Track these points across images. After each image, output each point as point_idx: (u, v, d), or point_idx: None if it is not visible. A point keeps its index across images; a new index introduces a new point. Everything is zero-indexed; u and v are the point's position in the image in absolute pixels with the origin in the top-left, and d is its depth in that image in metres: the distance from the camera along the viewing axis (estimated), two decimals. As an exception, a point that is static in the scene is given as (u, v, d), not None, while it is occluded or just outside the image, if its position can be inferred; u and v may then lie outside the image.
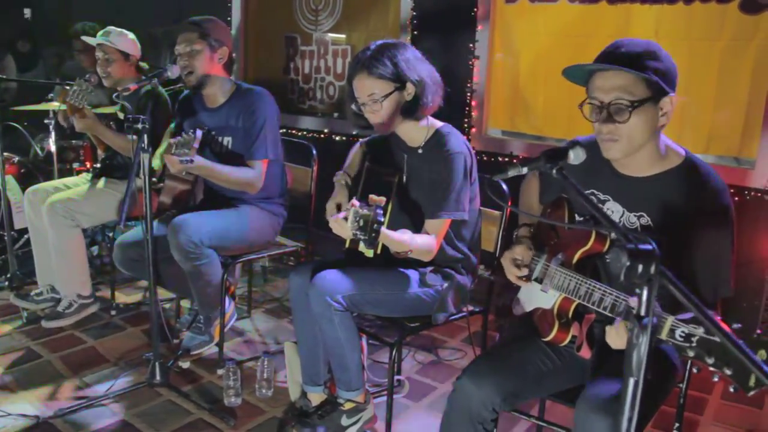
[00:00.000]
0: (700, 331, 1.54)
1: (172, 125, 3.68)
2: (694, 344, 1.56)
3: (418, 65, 2.65)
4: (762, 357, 1.44)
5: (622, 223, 2.10)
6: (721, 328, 1.29)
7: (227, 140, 3.45)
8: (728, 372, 1.48)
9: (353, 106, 2.72)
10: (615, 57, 1.95)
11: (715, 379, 1.57)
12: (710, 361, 1.52)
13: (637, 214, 2.08)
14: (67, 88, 3.63)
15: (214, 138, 3.47)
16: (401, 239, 2.51)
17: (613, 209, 2.12)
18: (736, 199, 3.59)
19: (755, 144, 3.61)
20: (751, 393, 1.45)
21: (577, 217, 2.21)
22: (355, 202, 2.25)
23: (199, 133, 3.01)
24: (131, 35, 4.00)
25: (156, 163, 3.40)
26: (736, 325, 1.46)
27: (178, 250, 3.16)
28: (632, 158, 2.05)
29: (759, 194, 3.59)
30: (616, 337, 1.80)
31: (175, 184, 3.40)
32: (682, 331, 1.58)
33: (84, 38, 4.17)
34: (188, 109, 3.60)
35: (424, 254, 2.64)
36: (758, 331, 1.45)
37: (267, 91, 3.50)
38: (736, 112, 3.67)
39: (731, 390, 1.51)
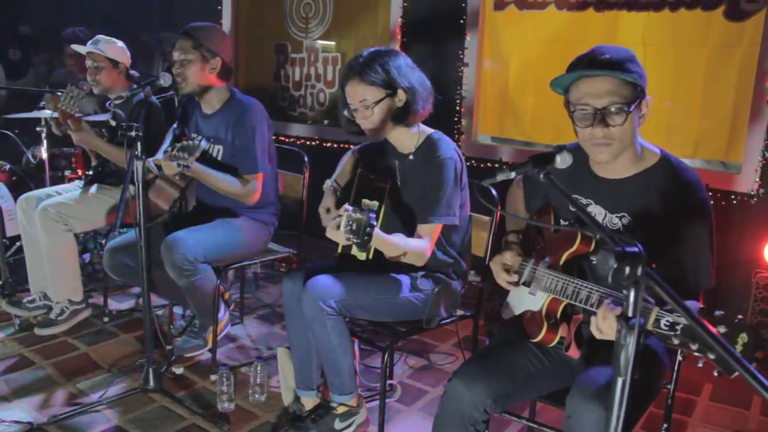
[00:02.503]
0: (683, 319, 1.58)
1: (175, 125, 3.69)
2: (678, 332, 1.60)
3: (409, 72, 2.69)
4: (743, 340, 1.49)
5: (605, 225, 2.14)
6: (703, 324, 1.33)
7: (218, 149, 3.47)
8: (712, 357, 1.52)
9: (345, 112, 2.75)
10: (602, 63, 1.99)
11: (700, 365, 1.61)
12: (694, 347, 1.56)
13: (619, 215, 2.13)
14: (59, 94, 3.64)
15: (207, 145, 3.49)
16: (395, 242, 2.54)
17: (595, 212, 2.16)
18: (723, 203, 3.64)
19: (741, 148, 3.66)
20: (734, 375, 1.48)
21: (562, 222, 2.25)
22: (347, 206, 2.28)
23: (204, 143, 3.04)
24: (120, 43, 4.01)
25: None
26: (718, 312, 1.51)
27: (173, 268, 3.18)
28: (615, 161, 2.10)
29: (745, 198, 3.63)
30: (602, 321, 1.81)
31: (164, 185, 3.40)
32: (667, 320, 1.63)
33: (74, 46, 4.18)
34: (189, 112, 3.62)
35: (418, 258, 2.67)
36: (740, 316, 1.50)
37: (258, 102, 3.50)
38: (722, 117, 3.72)
39: (715, 374, 1.54)
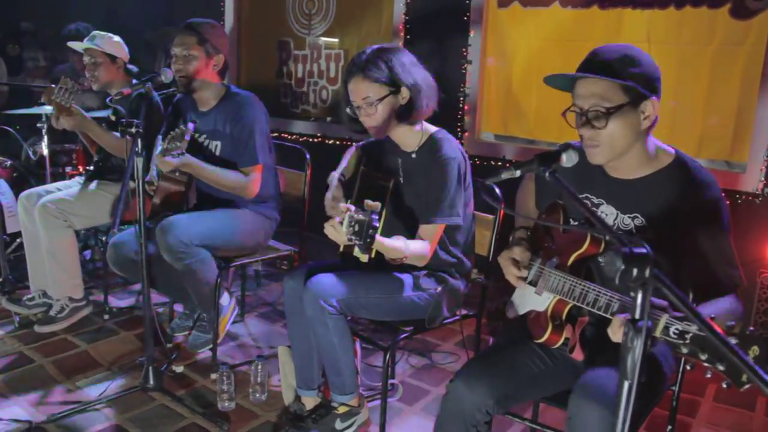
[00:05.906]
0: (693, 328, 1.55)
1: (160, 135, 3.66)
2: (687, 341, 1.56)
3: (413, 70, 2.67)
4: (755, 353, 1.45)
5: (616, 226, 2.12)
6: (714, 329, 1.30)
7: (216, 144, 3.46)
8: (721, 368, 1.49)
9: (348, 110, 2.73)
10: (592, 65, 1.99)
11: (708, 375, 1.58)
12: (704, 357, 1.52)
13: (631, 215, 2.10)
14: (53, 86, 3.61)
15: (204, 142, 3.47)
16: (396, 246, 2.52)
17: (607, 212, 2.14)
18: (728, 202, 3.60)
19: (746, 147, 3.64)
20: (744, 388, 1.46)
21: (572, 222, 2.22)
22: (350, 207, 2.25)
23: (191, 125, 3.06)
24: (116, 38, 3.99)
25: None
26: (730, 323, 1.48)
27: (167, 251, 3.17)
28: (621, 161, 2.08)
29: (750, 197, 3.61)
30: (618, 330, 1.78)
31: (168, 185, 3.37)
32: (676, 329, 1.58)
33: (70, 44, 4.17)
34: (180, 111, 3.59)
35: (418, 260, 2.65)
36: (751, 328, 1.47)
37: (254, 95, 3.50)
38: (726, 116, 3.70)
39: (724, 386, 1.51)
